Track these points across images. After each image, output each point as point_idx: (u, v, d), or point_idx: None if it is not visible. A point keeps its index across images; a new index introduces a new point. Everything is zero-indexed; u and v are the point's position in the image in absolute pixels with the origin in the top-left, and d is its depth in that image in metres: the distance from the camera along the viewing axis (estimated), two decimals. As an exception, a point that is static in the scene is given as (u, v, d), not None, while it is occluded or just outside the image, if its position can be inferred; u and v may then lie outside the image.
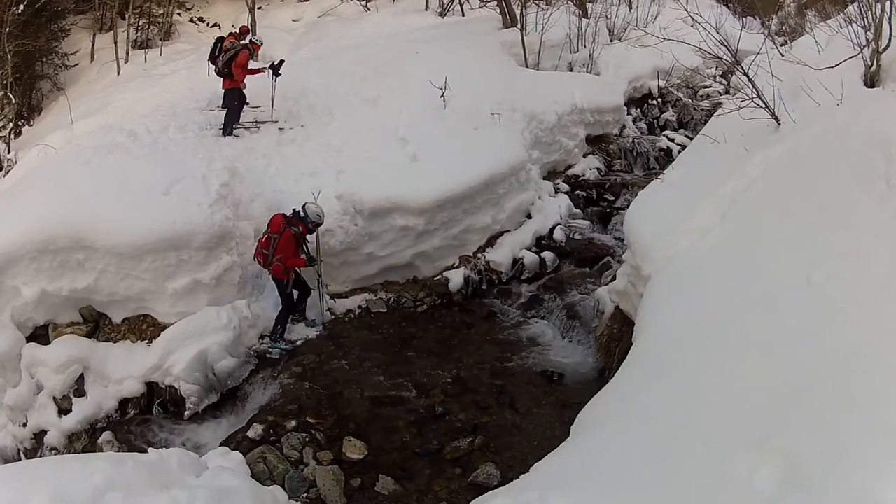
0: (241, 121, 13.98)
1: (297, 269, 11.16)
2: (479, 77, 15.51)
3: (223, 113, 13.93)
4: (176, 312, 10.96)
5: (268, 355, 11.13)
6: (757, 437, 4.73)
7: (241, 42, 14.12)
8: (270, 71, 14.05)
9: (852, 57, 8.12)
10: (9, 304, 10.76)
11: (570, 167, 16.40)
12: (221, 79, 14.02)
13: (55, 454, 10.42)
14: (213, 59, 14.14)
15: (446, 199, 12.28)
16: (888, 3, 7.86)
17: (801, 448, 4.46)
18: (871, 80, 8.12)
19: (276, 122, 14.14)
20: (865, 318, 5.26)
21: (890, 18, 7.94)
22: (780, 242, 6.83)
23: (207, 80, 14.73)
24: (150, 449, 7.45)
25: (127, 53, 19.68)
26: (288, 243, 10.76)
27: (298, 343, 11.35)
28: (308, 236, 11.16)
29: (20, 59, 17.12)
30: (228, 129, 13.60)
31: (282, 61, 14.32)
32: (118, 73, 18.72)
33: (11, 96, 16.22)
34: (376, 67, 16.11)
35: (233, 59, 13.67)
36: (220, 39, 14.30)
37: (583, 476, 5.56)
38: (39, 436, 10.72)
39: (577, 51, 19.62)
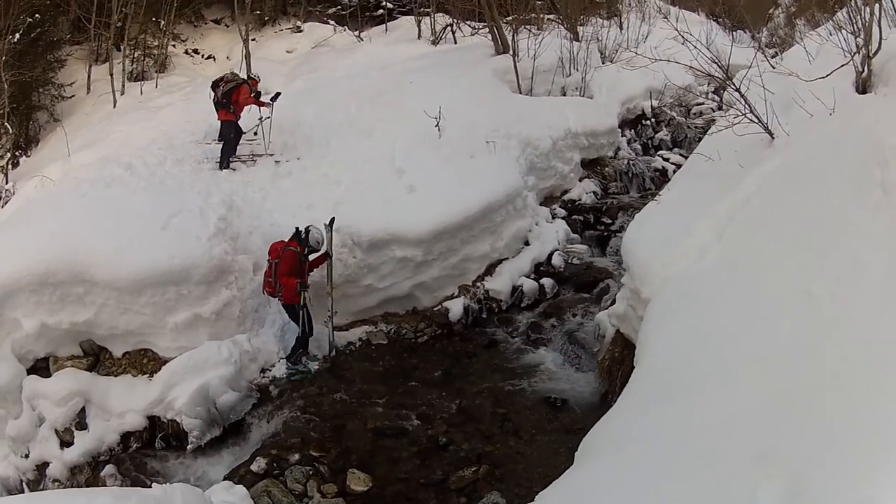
0: (237, 154, 14.03)
1: (306, 303, 11.20)
2: (473, 105, 15.60)
3: (220, 146, 13.97)
4: (176, 347, 10.93)
5: (292, 378, 11.23)
6: (759, 455, 4.71)
7: (242, 77, 14.22)
8: (272, 103, 14.14)
9: (843, 65, 8.16)
10: (9, 336, 10.75)
11: (566, 192, 16.45)
12: (218, 111, 14.05)
13: (58, 486, 10.41)
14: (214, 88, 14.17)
15: (444, 228, 12.29)
16: (877, 7, 7.91)
17: (804, 464, 4.44)
18: (863, 87, 8.16)
19: (272, 154, 14.18)
20: (865, 330, 5.24)
21: (879, 22, 7.99)
22: (778, 258, 6.80)
23: (203, 113, 14.78)
24: (153, 483, 7.44)
25: (123, 85, 19.72)
26: (287, 261, 10.85)
27: (314, 367, 11.44)
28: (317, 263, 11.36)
29: (17, 88, 17.15)
30: (225, 162, 13.66)
31: (278, 93, 14.40)
32: (114, 105, 18.73)
33: (9, 126, 16.25)
34: (371, 98, 16.20)
35: (233, 91, 13.74)
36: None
37: (588, 503, 5.54)
38: (42, 467, 10.68)
39: (570, 74, 19.66)
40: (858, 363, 5.01)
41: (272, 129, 14.36)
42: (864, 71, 8.13)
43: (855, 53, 8.18)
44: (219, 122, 14.20)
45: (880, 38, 7.93)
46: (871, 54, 8.02)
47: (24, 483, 10.74)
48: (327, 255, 11.36)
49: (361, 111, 15.60)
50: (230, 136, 13.88)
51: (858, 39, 8.19)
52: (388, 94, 16.33)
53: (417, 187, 12.87)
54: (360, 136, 14.57)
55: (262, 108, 14.19)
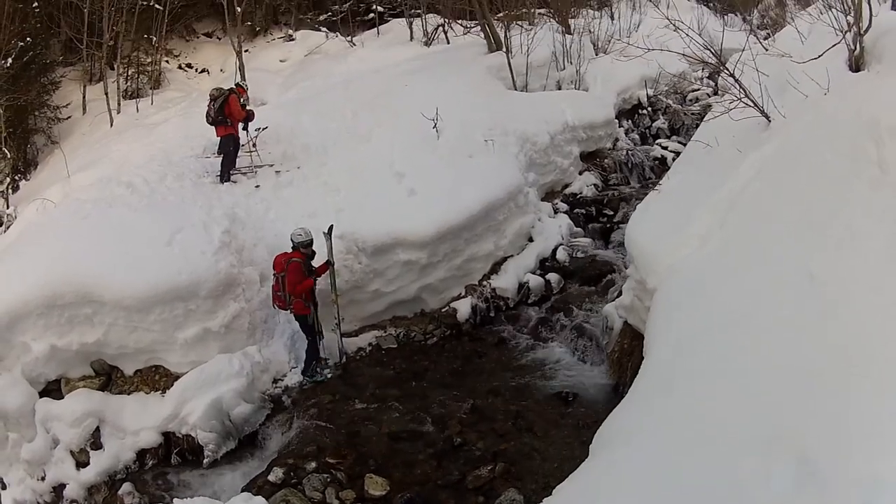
0: (237, 166, 14.06)
1: (315, 310, 11.21)
2: (470, 104, 15.62)
3: (219, 160, 14.00)
4: (188, 362, 10.96)
5: (304, 386, 11.27)
6: (770, 437, 4.77)
7: (227, 88, 14.23)
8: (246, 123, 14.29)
9: (836, 44, 8.16)
10: (19, 360, 10.78)
11: (567, 186, 16.49)
12: (216, 129, 14.06)
13: (78, 508, 10.43)
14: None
15: (447, 230, 12.33)
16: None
17: (813, 443, 4.51)
18: (856, 65, 8.16)
19: (271, 165, 14.22)
20: (867, 308, 5.29)
21: (869, 0, 8.00)
22: (779, 241, 6.84)
23: (201, 128, 14.73)
24: (174, 499, 7.48)
25: (118, 104, 19.67)
26: (294, 273, 10.80)
27: (328, 375, 11.46)
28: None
29: (12, 113, 17.19)
30: (226, 175, 13.67)
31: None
32: (111, 125, 18.71)
33: (7, 151, 16.29)
34: (367, 102, 16.22)
35: (223, 105, 13.76)
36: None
37: (604, 493, 5.59)
38: (58, 489, 10.73)
39: (564, 68, 19.70)
40: (863, 339, 5.06)
41: (270, 139, 14.49)
42: (856, 49, 8.12)
43: (846, 31, 8.17)
44: (217, 137, 14.22)
45: (870, 15, 7.92)
46: (862, 31, 8.01)
47: (40, 506, 10.77)
48: (329, 264, 11.34)
49: (358, 116, 15.63)
50: (229, 149, 13.90)
51: (849, 17, 8.19)
52: (383, 97, 16.34)
53: (418, 190, 12.90)
54: (357, 142, 14.62)
55: (248, 123, 14.31)
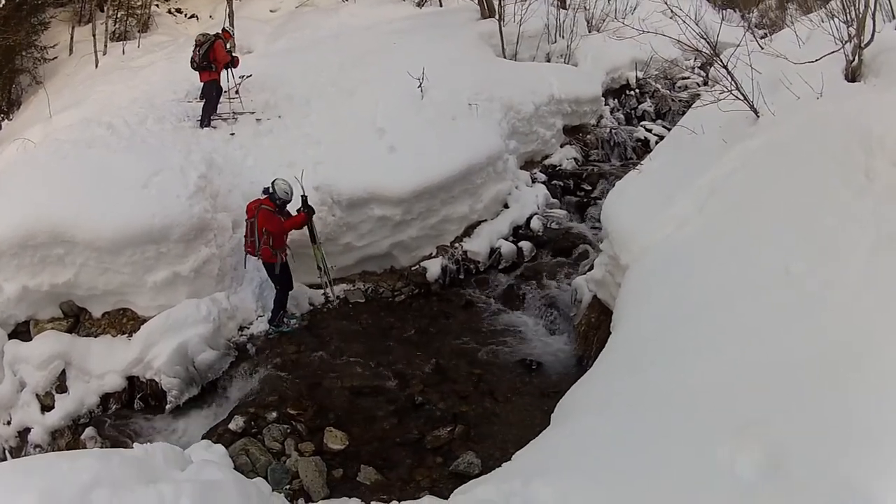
0: (218, 112, 13.96)
1: (285, 261, 11.14)
2: (457, 67, 15.56)
3: (201, 104, 13.90)
4: (155, 305, 10.89)
5: (270, 336, 11.24)
6: (737, 425, 4.77)
7: (213, 34, 14.11)
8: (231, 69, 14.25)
9: (834, 52, 8.16)
10: (-10, 301, 10.70)
11: (547, 157, 16.47)
12: (200, 73, 13.96)
13: (39, 452, 10.35)
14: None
15: (424, 189, 12.32)
16: (872, 0, 7.91)
17: (782, 435, 4.51)
18: (853, 75, 8.12)
19: (253, 112, 14.13)
20: (844, 307, 5.29)
21: (874, 15, 7.99)
22: (759, 233, 6.84)
23: (185, 72, 14.64)
24: (135, 444, 7.47)
25: (105, 46, 19.57)
26: (268, 218, 10.71)
27: (295, 325, 11.45)
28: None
29: (0, 53, 17.04)
30: (206, 120, 13.58)
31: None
32: (96, 66, 18.60)
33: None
34: (354, 58, 16.17)
35: (209, 50, 13.65)
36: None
37: (565, 463, 5.61)
38: (23, 433, 10.63)
39: (555, 41, 19.70)
40: (838, 337, 5.06)
41: (254, 87, 14.42)
42: (854, 60, 8.10)
43: (846, 42, 8.16)
44: (201, 82, 14.12)
45: (873, 30, 7.92)
46: (862, 44, 8.00)
47: (5, 451, 10.67)
48: (308, 212, 11.19)
49: (344, 71, 15.57)
50: (212, 94, 13.80)
51: (851, 29, 8.18)
52: (371, 54, 16.31)
53: (398, 147, 12.86)
54: (342, 96, 14.54)
55: (234, 69, 14.27)
